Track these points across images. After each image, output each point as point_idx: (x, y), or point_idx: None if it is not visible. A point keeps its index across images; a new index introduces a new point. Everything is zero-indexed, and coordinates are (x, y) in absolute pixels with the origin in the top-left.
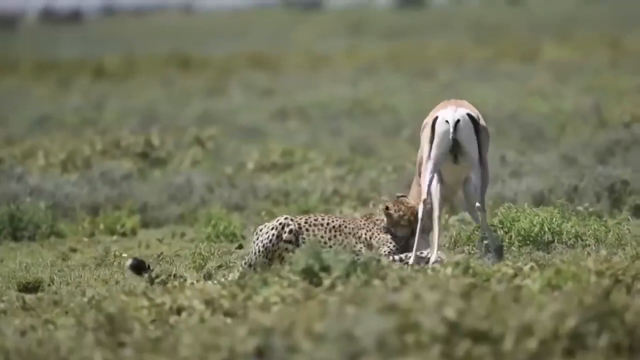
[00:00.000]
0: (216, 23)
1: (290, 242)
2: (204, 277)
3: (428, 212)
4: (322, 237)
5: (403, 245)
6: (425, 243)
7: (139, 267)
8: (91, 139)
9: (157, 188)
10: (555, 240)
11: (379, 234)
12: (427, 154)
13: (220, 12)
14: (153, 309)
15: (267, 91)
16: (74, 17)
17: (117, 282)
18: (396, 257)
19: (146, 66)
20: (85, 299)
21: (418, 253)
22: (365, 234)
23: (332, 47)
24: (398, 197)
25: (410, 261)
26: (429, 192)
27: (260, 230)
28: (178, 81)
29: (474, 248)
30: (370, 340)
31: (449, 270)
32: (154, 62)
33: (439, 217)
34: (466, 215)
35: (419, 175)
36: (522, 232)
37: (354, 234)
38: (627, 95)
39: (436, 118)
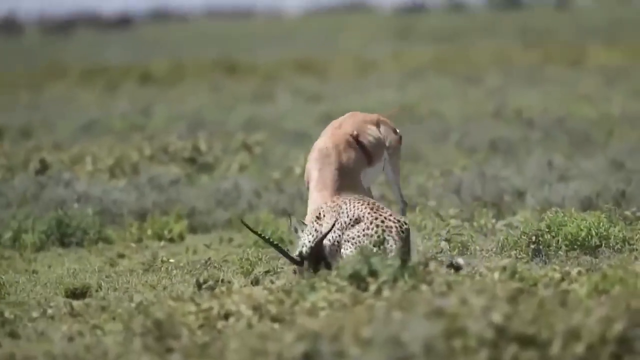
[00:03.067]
0: (263, 28)
1: None
2: (252, 283)
3: None
4: None
5: None
6: None
7: None
8: (139, 144)
9: (205, 193)
10: (603, 245)
11: None
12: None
13: (267, 17)
14: (201, 314)
15: (314, 96)
16: (123, 22)
17: (164, 288)
18: None
19: (194, 71)
20: (133, 305)
21: None
22: None
23: (379, 52)
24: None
25: None
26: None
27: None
28: (225, 86)
29: (521, 253)
30: (418, 345)
31: (496, 275)
32: (201, 68)
33: None
34: (513, 220)
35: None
36: (570, 237)
37: None
38: None
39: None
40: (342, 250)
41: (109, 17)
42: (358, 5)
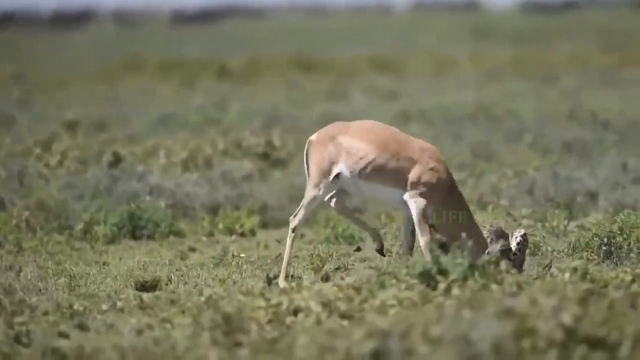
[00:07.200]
0: (339, 25)
1: None
2: (322, 279)
3: None
4: None
5: None
6: None
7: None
8: (213, 138)
9: (277, 189)
10: None
11: None
12: None
13: (343, 14)
14: (270, 310)
15: (390, 94)
16: (203, 16)
17: (234, 282)
18: None
19: (269, 67)
20: (203, 299)
21: None
22: None
23: (457, 51)
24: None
25: None
26: None
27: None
28: (301, 83)
29: (592, 254)
30: (487, 345)
31: (566, 275)
32: (277, 64)
33: None
34: (585, 221)
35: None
36: None
37: None
38: None
39: None
40: None
41: (189, 11)
42: (470, 5)
